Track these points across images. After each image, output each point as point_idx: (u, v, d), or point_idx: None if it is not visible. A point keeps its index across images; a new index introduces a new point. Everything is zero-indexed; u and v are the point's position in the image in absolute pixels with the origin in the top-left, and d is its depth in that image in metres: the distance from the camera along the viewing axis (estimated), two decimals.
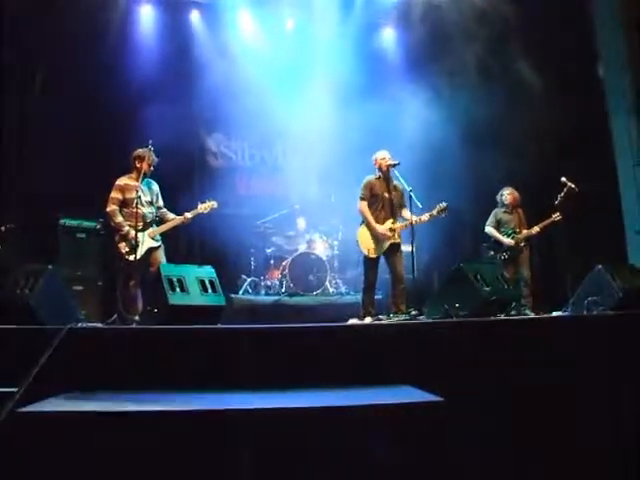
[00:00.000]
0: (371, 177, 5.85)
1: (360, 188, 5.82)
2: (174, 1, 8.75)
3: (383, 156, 5.81)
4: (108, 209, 5.53)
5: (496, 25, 7.82)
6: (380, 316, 5.54)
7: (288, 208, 8.17)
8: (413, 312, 5.06)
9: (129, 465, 2.54)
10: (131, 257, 5.34)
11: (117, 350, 3.42)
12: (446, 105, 8.12)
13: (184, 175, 8.24)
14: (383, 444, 2.65)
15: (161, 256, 5.60)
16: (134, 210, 5.26)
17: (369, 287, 5.73)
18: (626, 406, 3.57)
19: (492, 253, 6.82)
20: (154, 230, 5.62)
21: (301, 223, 8.17)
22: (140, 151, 5.58)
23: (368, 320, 5.46)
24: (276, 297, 7.50)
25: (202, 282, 4.47)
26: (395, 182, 5.86)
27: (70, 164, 7.29)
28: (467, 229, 8.37)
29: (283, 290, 7.54)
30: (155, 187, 5.80)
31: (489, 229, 6.90)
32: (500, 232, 6.83)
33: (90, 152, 7.43)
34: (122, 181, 5.58)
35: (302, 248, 7.81)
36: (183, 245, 7.88)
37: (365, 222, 5.75)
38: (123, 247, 5.44)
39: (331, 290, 7.64)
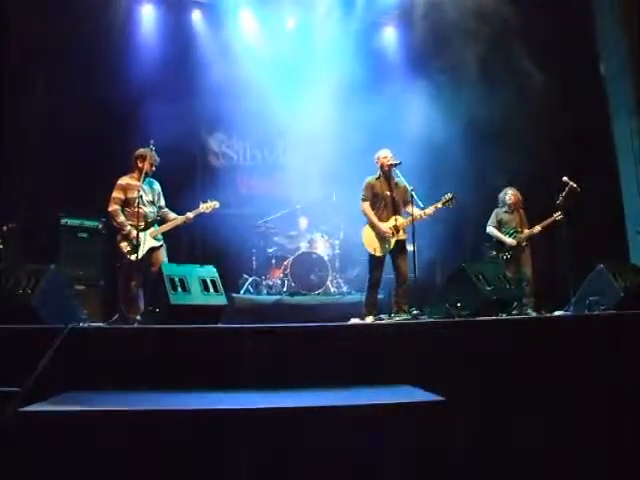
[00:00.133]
0: (371, 178, 5.87)
1: (361, 190, 5.84)
2: (175, 1, 8.76)
3: (385, 155, 5.82)
4: (110, 209, 5.54)
5: (497, 25, 7.79)
6: (381, 315, 5.55)
7: (289, 208, 8.19)
8: (414, 312, 5.06)
9: (130, 464, 2.55)
10: (133, 257, 5.35)
11: (118, 350, 3.42)
12: (448, 104, 8.11)
13: (186, 175, 8.26)
14: (384, 444, 2.64)
15: (163, 256, 5.60)
16: (136, 210, 5.27)
17: (373, 285, 5.74)
18: (627, 406, 3.56)
19: (494, 253, 6.82)
20: (156, 230, 5.62)
21: (303, 222, 8.18)
22: (142, 151, 5.58)
23: (369, 320, 5.47)
24: (277, 296, 7.51)
25: (204, 282, 4.47)
26: (396, 180, 5.86)
27: (71, 164, 7.31)
28: (469, 228, 8.36)
29: (284, 289, 7.55)
30: (157, 186, 5.80)
31: (490, 229, 6.90)
32: (502, 232, 6.83)
33: (91, 152, 7.44)
34: (124, 181, 5.59)
35: (303, 247, 7.81)
36: (185, 244, 7.88)
37: (368, 222, 5.77)
38: (125, 247, 5.45)
39: (332, 290, 7.64)
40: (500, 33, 7.84)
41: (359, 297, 6.88)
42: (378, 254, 5.69)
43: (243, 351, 3.44)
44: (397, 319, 5.21)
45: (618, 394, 3.57)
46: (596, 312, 4.86)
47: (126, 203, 5.54)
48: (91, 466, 2.52)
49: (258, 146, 9.23)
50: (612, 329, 3.94)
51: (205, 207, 5.72)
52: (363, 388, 3.18)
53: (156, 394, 3.01)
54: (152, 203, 5.68)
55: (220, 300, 4.50)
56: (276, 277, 7.80)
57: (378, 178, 5.86)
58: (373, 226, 5.72)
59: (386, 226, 5.68)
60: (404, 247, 5.70)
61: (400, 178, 5.84)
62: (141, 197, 5.35)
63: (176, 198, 6.28)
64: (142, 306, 5.35)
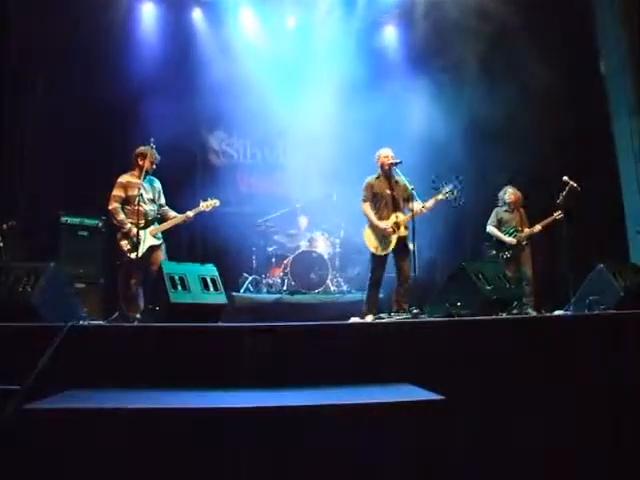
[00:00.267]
0: (370, 178, 5.89)
1: (361, 190, 5.86)
2: None
3: (386, 154, 5.82)
4: (110, 206, 5.53)
5: (497, 24, 7.80)
6: (381, 314, 5.55)
7: (290, 206, 8.18)
8: (414, 311, 5.05)
9: (130, 462, 2.55)
10: (133, 255, 5.35)
11: (118, 348, 3.42)
12: (448, 103, 8.11)
13: (186, 173, 8.26)
14: (384, 442, 2.65)
15: (162, 255, 5.60)
16: (136, 208, 5.27)
17: (375, 285, 5.75)
18: (627, 406, 3.56)
19: (494, 252, 6.82)
20: (156, 228, 5.62)
21: (303, 221, 8.18)
22: (142, 149, 5.58)
23: (369, 318, 5.47)
24: (277, 295, 7.51)
25: (204, 280, 4.47)
26: (396, 178, 5.86)
27: (72, 162, 7.31)
28: (469, 227, 8.36)
29: (284, 288, 7.55)
30: (157, 185, 5.80)
31: (491, 228, 6.90)
32: (502, 231, 6.83)
33: (92, 150, 7.44)
34: (124, 179, 5.58)
35: (304, 246, 7.81)
36: (185, 243, 7.88)
37: (369, 222, 5.77)
38: (125, 245, 5.45)
39: (332, 288, 7.64)
40: (501, 32, 7.84)
41: (359, 296, 6.88)
42: (380, 253, 5.70)
43: (243, 350, 3.44)
44: (397, 318, 5.21)
45: (618, 394, 3.58)
46: (596, 312, 4.86)
47: (126, 201, 5.54)
48: (91, 464, 2.52)
49: (258, 145, 9.23)
50: (612, 329, 3.94)
51: (205, 205, 5.72)
52: (363, 387, 3.18)
53: (156, 392, 3.01)
54: (152, 201, 5.68)
55: (220, 299, 4.50)
56: (276, 276, 7.80)
57: (378, 177, 5.87)
58: (374, 225, 5.73)
59: (387, 224, 5.68)
60: (406, 246, 5.69)
61: (400, 176, 5.83)
62: (141, 195, 5.35)
63: (176, 196, 6.27)
64: (142, 304, 5.35)
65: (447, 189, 5.63)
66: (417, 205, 5.54)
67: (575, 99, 7.77)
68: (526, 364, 3.60)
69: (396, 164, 5.77)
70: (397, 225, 5.68)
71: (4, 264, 5.12)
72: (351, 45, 8.64)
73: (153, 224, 5.63)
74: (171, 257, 5.65)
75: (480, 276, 4.79)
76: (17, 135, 7.29)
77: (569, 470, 3.37)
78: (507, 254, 6.70)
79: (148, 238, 5.52)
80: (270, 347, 3.49)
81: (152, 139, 5.47)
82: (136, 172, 5.60)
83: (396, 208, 5.76)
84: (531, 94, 7.87)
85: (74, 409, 2.64)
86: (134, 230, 5.32)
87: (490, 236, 6.92)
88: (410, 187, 5.61)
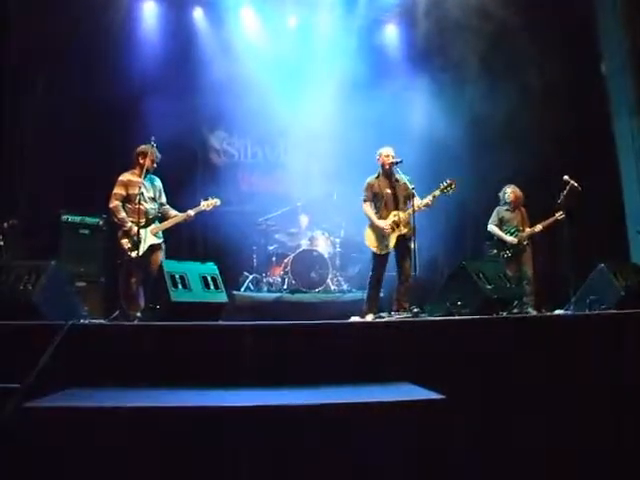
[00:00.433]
0: (370, 178, 5.90)
1: (362, 191, 5.87)
2: None
3: (387, 153, 5.82)
4: (111, 205, 5.54)
5: (498, 23, 7.79)
6: (382, 314, 5.55)
7: (290, 205, 8.18)
8: (415, 310, 5.06)
9: (130, 461, 2.55)
10: (133, 253, 5.35)
11: (119, 346, 3.42)
12: (449, 102, 8.11)
13: (187, 172, 8.27)
14: (384, 441, 2.65)
15: (162, 254, 5.60)
16: (137, 206, 5.27)
17: (375, 284, 5.75)
18: (628, 405, 3.56)
19: (495, 251, 6.82)
20: (156, 227, 5.62)
21: (303, 220, 8.18)
22: (143, 147, 5.58)
23: (370, 317, 5.47)
24: (278, 294, 7.51)
25: (204, 279, 4.47)
26: (397, 176, 5.86)
27: (72, 161, 7.31)
28: (470, 226, 8.36)
29: (285, 287, 7.55)
30: (158, 183, 5.80)
31: (492, 227, 6.89)
32: (503, 230, 6.83)
33: (92, 149, 7.43)
34: (125, 177, 5.59)
35: (304, 245, 7.81)
36: (185, 241, 7.88)
37: (369, 222, 5.78)
38: (125, 243, 5.45)
39: (333, 287, 7.65)
40: (501, 32, 7.83)
41: (359, 295, 6.89)
42: (380, 252, 5.70)
43: (243, 348, 3.44)
44: (397, 317, 5.21)
45: (619, 393, 3.58)
46: (597, 311, 4.86)
47: (127, 199, 5.54)
48: (91, 462, 2.53)
49: (259, 143, 9.23)
50: (613, 328, 3.94)
51: (206, 205, 5.71)
52: (363, 386, 3.18)
53: (156, 391, 3.02)
54: (153, 200, 5.68)
55: (221, 297, 4.50)
56: (277, 275, 7.80)
57: (377, 177, 5.87)
58: (374, 225, 5.74)
59: (386, 222, 5.69)
60: (408, 245, 5.69)
61: (401, 175, 5.83)
62: (142, 194, 5.35)
63: (177, 195, 6.27)
64: (143, 303, 5.35)
65: (445, 184, 5.63)
66: (416, 202, 5.54)
67: (576, 99, 7.77)
68: (527, 364, 3.60)
69: (397, 163, 5.77)
70: (396, 224, 5.68)
71: (5, 262, 5.12)
72: (352, 44, 8.65)
73: (154, 223, 5.64)
74: (172, 255, 5.64)
75: (481, 275, 4.79)
76: (17, 135, 7.29)
77: (570, 470, 3.37)
78: (508, 253, 6.70)
79: (149, 237, 5.52)
80: (270, 346, 3.49)
81: (153, 138, 5.47)
82: (137, 171, 5.60)
83: (397, 207, 5.77)
84: (532, 94, 7.87)
85: (74, 407, 2.65)
86: (135, 229, 5.32)
87: (491, 235, 6.91)
88: (411, 186, 5.61)
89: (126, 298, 5.42)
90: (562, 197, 6.22)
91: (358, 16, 8.85)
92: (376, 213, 5.79)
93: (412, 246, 5.57)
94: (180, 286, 4.30)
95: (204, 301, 4.36)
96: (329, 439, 2.62)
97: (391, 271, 5.93)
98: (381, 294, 6.07)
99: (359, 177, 6.06)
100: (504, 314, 4.75)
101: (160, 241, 5.62)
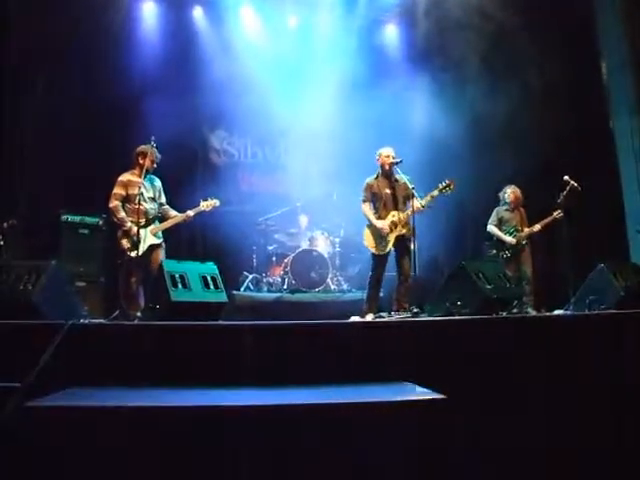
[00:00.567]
0: (370, 178, 5.91)
1: (361, 191, 5.87)
2: None
3: (387, 154, 5.82)
4: (111, 205, 5.54)
5: (498, 23, 7.80)
6: (382, 313, 5.55)
7: (290, 205, 8.19)
8: (415, 310, 5.06)
9: (130, 460, 2.55)
10: (133, 253, 5.35)
11: (119, 346, 3.42)
12: (449, 102, 8.11)
13: (187, 172, 8.27)
14: (384, 441, 2.65)
15: (162, 253, 5.60)
16: (136, 206, 5.28)
17: (375, 284, 5.76)
18: (628, 405, 3.57)
19: (494, 251, 6.83)
20: (156, 227, 5.63)
21: (303, 220, 8.19)
22: (143, 147, 5.58)
23: (370, 317, 5.48)
24: (278, 294, 7.51)
25: (204, 278, 4.47)
26: (396, 176, 5.86)
27: (72, 161, 7.31)
28: (470, 226, 8.37)
29: (285, 287, 7.56)
30: (158, 183, 5.81)
31: (491, 227, 6.90)
32: (502, 230, 6.83)
33: (92, 149, 7.44)
34: (125, 177, 5.59)
35: (304, 245, 7.82)
36: (185, 241, 7.88)
37: (368, 222, 5.78)
38: (125, 243, 5.45)
39: (333, 287, 7.65)
40: (501, 31, 7.83)
41: (359, 295, 6.89)
42: (379, 252, 5.70)
43: (243, 348, 3.44)
44: (397, 317, 5.21)
45: (619, 393, 3.58)
46: (596, 311, 4.86)
47: (127, 199, 5.54)
48: (91, 462, 2.53)
49: (259, 143, 9.24)
50: (612, 328, 3.94)
51: (205, 205, 5.72)
52: (363, 386, 3.18)
53: (156, 391, 3.02)
54: (153, 200, 5.68)
55: (220, 297, 4.50)
56: (276, 274, 7.81)
57: (377, 177, 5.88)
58: (372, 225, 5.74)
59: (384, 223, 5.69)
60: (407, 245, 5.69)
61: (401, 175, 5.83)
62: (142, 194, 5.35)
63: (177, 195, 6.28)
64: (142, 303, 5.36)
65: (443, 184, 5.63)
66: (416, 203, 5.53)
67: (576, 98, 7.77)
68: (526, 363, 3.60)
69: (397, 163, 5.77)
70: (395, 224, 5.69)
71: (5, 262, 5.12)
72: (352, 44, 8.66)
73: (153, 223, 5.64)
74: (172, 255, 5.65)
75: (480, 275, 4.79)
76: (17, 135, 7.29)
77: (570, 470, 3.38)
78: (507, 253, 6.71)
79: (149, 237, 5.53)
80: (270, 346, 3.50)
81: (153, 138, 5.48)
82: (137, 171, 5.60)
83: (396, 207, 5.77)
84: (532, 93, 7.88)
85: (75, 407, 2.65)
86: (134, 229, 5.33)
87: (490, 235, 6.92)
88: (410, 186, 5.61)
89: (126, 298, 5.42)
90: (562, 197, 6.23)
91: (358, 16, 8.86)
92: (375, 213, 5.80)
93: (412, 246, 5.57)
94: (180, 286, 4.29)
95: (204, 301, 4.36)
96: (329, 439, 2.62)
97: (391, 271, 5.93)
98: (381, 294, 6.07)
99: (359, 177, 6.06)
100: (504, 314, 4.75)
101: (160, 241, 5.63)
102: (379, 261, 5.74)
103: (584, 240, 6.53)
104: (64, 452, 2.51)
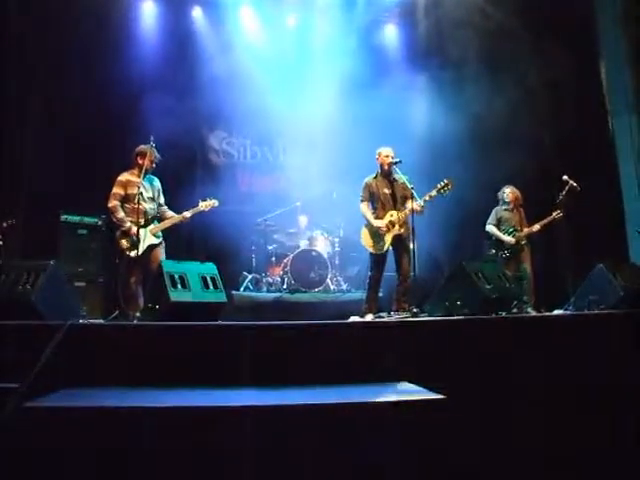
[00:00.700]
0: (368, 178, 5.90)
1: (360, 190, 5.87)
2: None
3: (387, 153, 5.82)
4: (110, 204, 5.53)
5: (498, 23, 7.80)
6: (381, 313, 5.55)
7: (289, 205, 8.18)
8: (414, 310, 5.05)
9: (129, 461, 2.55)
10: (132, 253, 5.35)
11: (118, 346, 3.42)
12: (448, 103, 8.11)
13: (186, 172, 8.27)
14: (384, 441, 2.65)
15: (162, 253, 5.59)
16: (136, 206, 5.27)
17: (374, 283, 5.75)
18: (627, 405, 3.57)
19: (493, 251, 6.82)
20: (156, 227, 5.62)
21: (302, 220, 8.19)
22: (142, 147, 5.57)
23: (369, 317, 5.47)
24: (277, 294, 7.50)
25: (203, 279, 4.47)
26: (396, 176, 5.86)
27: (72, 161, 7.31)
28: (470, 226, 8.36)
29: (284, 287, 7.55)
30: (157, 184, 5.80)
31: (490, 227, 6.90)
32: (501, 230, 6.83)
33: (92, 148, 7.44)
34: (124, 177, 5.58)
35: (303, 245, 7.82)
36: (184, 241, 7.86)
37: (366, 221, 5.78)
38: (124, 243, 5.44)
39: (332, 287, 7.64)
40: (501, 31, 7.83)
41: (359, 295, 6.89)
42: (376, 252, 5.70)
43: (243, 348, 3.44)
44: (397, 317, 5.21)
45: (618, 393, 3.58)
46: (596, 311, 4.86)
47: (126, 199, 5.53)
48: (90, 462, 2.52)
49: (258, 143, 9.23)
50: (612, 328, 3.94)
51: (204, 205, 5.71)
52: (363, 386, 3.18)
53: (155, 391, 3.01)
54: (152, 200, 5.68)
55: (220, 297, 4.50)
56: (276, 274, 7.80)
57: (375, 177, 5.87)
58: (370, 224, 5.74)
59: (381, 222, 5.68)
60: (406, 245, 5.69)
61: (400, 175, 5.83)
62: (141, 194, 5.34)
63: (176, 195, 6.27)
64: (142, 303, 5.35)
65: (441, 184, 5.61)
66: (414, 204, 5.52)
67: (575, 98, 7.76)
68: (526, 363, 3.60)
69: (396, 163, 5.77)
70: (392, 224, 5.67)
71: (4, 262, 5.12)
72: (351, 43, 8.66)
73: (153, 223, 5.63)
74: (171, 255, 5.64)
75: (480, 275, 4.79)
76: (17, 135, 7.28)
77: (569, 469, 3.37)
78: (506, 253, 6.71)
79: (148, 237, 5.52)
80: (269, 346, 3.49)
81: (152, 138, 5.46)
82: (136, 171, 5.59)
83: (394, 207, 5.76)
84: (531, 93, 7.87)
85: (74, 407, 2.65)
86: (134, 229, 5.32)
87: (490, 235, 6.92)
88: (410, 186, 5.60)
89: (125, 298, 5.41)
90: (561, 196, 6.23)
91: (357, 16, 8.86)
92: (373, 213, 5.79)
93: (411, 246, 5.56)
94: (179, 286, 4.29)
95: (203, 301, 4.36)
96: (329, 439, 2.62)
97: (390, 271, 5.92)
98: (380, 294, 6.07)
99: (359, 177, 6.05)
100: (503, 314, 4.75)
101: (159, 240, 5.62)
102: (377, 261, 5.74)
103: (583, 240, 6.53)
104: (63, 452, 2.51)
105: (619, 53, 7.73)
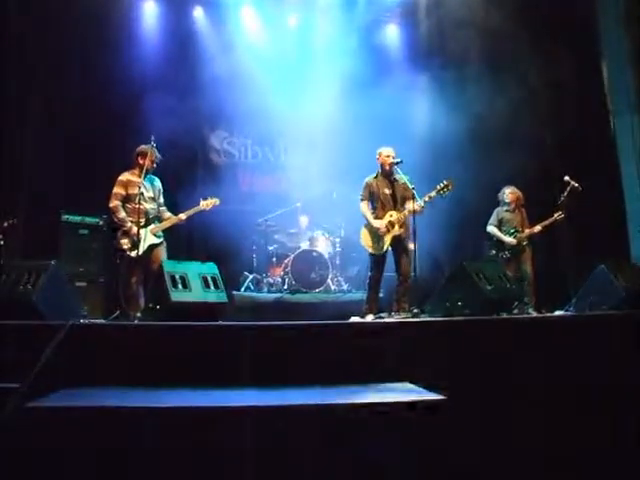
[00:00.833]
0: (369, 177, 5.89)
1: (360, 190, 5.86)
2: None
3: (387, 153, 5.81)
4: (111, 204, 5.53)
5: (499, 22, 7.79)
6: (382, 314, 5.54)
7: (290, 205, 8.18)
8: (415, 310, 5.05)
9: (130, 461, 2.55)
10: (133, 253, 5.35)
11: (119, 346, 3.42)
12: (449, 103, 8.10)
13: (187, 172, 8.28)
14: (384, 442, 2.64)
15: (163, 253, 5.59)
16: (137, 206, 5.27)
17: (374, 283, 5.74)
18: (628, 405, 3.56)
19: (494, 252, 6.81)
20: (156, 226, 5.62)
21: (303, 220, 8.19)
22: (143, 147, 5.57)
23: (370, 318, 5.47)
24: (278, 294, 7.51)
25: (204, 279, 4.47)
26: (396, 176, 5.85)
27: (72, 161, 7.31)
28: (470, 227, 8.35)
29: (285, 287, 7.55)
30: (157, 184, 5.80)
31: (491, 228, 6.89)
32: (502, 231, 6.82)
33: (92, 148, 7.44)
34: (125, 177, 5.58)
35: (304, 245, 7.82)
36: (185, 241, 7.87)
37: (365, 222, 5.78)
38: (125, 243, 5.44)
39: (333, 288, 7.64)
40: (502, 31, 7.82)
41: (359, 295, 6.88)
42: (375, 252, 5.69)
43: (243, 349, 3.44)
44: (397, 318, 5.20)
45: (619, 394, 3.57)
46: (597, 312, 4.85)
47: (127, 199, 5.53)
48: (91, 462, 2.52)
49: (259, 144, 9.24)
50: (613, 329, 3.94)
51: (205, 204, 5.71)
52: (363, 386, 3.18)
53: (156, 391, 3.01)
54: (153, 200, 5.68)
55: (221, 297, 4.50)
56: (277, 275, 7.80)
57: (376, 177, 5.87)
58: (369, 225, 5.73)
59: (381, 222, 5.68)
60: (405, 245, 5.68)
61: (401, 176, 5.82)
62: (142, 194, 5.34)
63: (177, 195, 6.28)
64: (142, 303, 5.35)
65: (441, 185, 5.60)
66: (414, 204, 5.51)
67: (576, 98, 7.75)
68: (526, 364, 3.60)
69: (397, 163, 5.76)
70: (391, 224, 5.66)
71: (5, 262, 5.12)
72: (352, 43, 8.66)
73: (153, 222, 5.63)
74: (172, 255, 5.65)
75: (481, 276, 4.78)
76: (17, 135, 7.29)
77: (569, 470, 3.37)
78: (507, 254, 6.70)
79: (149, 236, 5.52)
80: (270, 346, 3.49)
81: (153, 138, 5.47)
82: (137, 171, 5.59)
83: (395, 207, 5.75)
84: (533, 93, 7.87)
85: (74, 407, 2.65)
86: (135, 228, 5.32)
87: (491, 236, 6.91)
88: (411, 186, 5.59)
89: (126, 298, 5.41)
90: (562, 197, 6.22)
91: (358, 16, 8.86)
92: (373, 213, 5.78)
93: (411, 246, 5.56)
94: (180, 286, 4.30)
95: (204, 301, 4.36)
96: (329, 439, 2.62)
97: (391, 271, 5.91)
98: (381, 294, 6.06)
99: (359, 177, 6.05)
100: (504, 315, 4.75)
101: (160, 240, 5.62)
102: (376, 261, 5.73)
103: (585, 240, 6.52)
104: (63, 452, 2.51)
105: (621, 53, 7.72)
